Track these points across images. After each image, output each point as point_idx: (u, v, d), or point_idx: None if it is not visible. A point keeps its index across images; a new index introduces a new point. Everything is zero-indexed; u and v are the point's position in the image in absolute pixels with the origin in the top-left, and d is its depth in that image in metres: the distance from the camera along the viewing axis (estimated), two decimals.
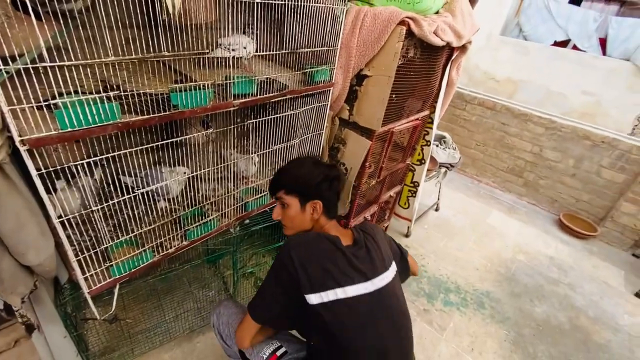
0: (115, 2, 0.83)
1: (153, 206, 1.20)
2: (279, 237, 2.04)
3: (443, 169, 2.75)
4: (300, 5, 1.18)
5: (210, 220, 1.34)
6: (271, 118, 1.35)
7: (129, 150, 0.94)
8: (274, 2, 1.07)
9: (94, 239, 1.04)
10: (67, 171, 0.86)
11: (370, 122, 1.65)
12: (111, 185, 1.20)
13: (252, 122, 1.31)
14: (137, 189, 1.08)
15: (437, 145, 2.80)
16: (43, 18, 0.87)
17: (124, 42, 0.94)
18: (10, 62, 0.69)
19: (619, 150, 2.91)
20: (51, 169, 0.81)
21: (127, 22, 1.02)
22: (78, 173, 0.94)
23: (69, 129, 0.78)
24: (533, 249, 2.77)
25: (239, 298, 1.87)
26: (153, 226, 1.18)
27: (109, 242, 1.06)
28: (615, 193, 3.00)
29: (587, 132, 3.03)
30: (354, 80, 1.61)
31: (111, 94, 0.83)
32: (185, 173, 1.24)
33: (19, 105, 0.71)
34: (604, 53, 3.45)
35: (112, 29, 0.90)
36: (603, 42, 3.47)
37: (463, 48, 1.86)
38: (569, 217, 3.18)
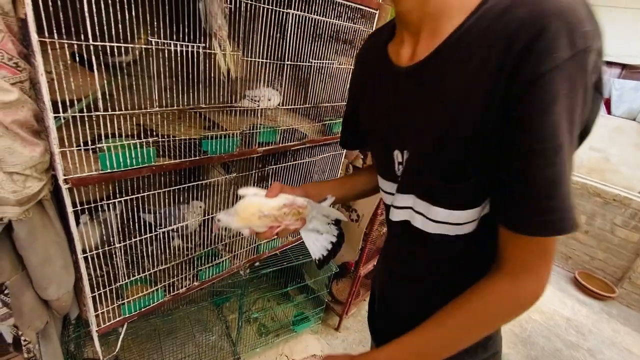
0: (160, 57, 0.93)
1: (168, 244, 1.22)
2: (287, 282, 2.01)
3: None
4: (324, 66, 1.29)
5: (222, 261, 1.35)
6: (290, 164, 1.41)
7: (158, 191, 0.99)
8: (302, 64, 1.18)
9: (111, 275, 1.05)
10: (94, 207, 0.90)
11: None
12: (130, 221, 1.23)
13: (272, 168, 1.37)
14: (158, 227, 1.12)
15: None
16: (95, 69, 0.98)
17: (162, 91, 1.03)
18: (68, 108, 0.77)
19: (631, 209, 2.89)
20: (85, 207, 0.85)
21: (167, 73, 1.12)
22: (103, 209, 0.98)
23: (109, 170, 0.84)
24: (549, 308, 2.65)
25: (241, 345, 1.80)
26: (168, 265, 1.19)
27: (124, 280, 1.07)
28: (631, 253, 2.92)
29: (597, 189, 3.03)
30: None
31: (150, 140, 0.89)
32: (200, 207, 1.27)
33: (68, 148, 0.78)
34: (609, 112, 3.57)
35: (153, 78, 1.00)
36: (607, 102, 3.62)
37: None
38: (585, 275, 3.07)
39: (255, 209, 0.57)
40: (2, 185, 0.69)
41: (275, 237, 0.62)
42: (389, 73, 0.55)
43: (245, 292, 1.64)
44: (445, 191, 0.49)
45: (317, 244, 0.70)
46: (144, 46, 0.84)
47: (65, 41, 0.73)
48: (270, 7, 1.01)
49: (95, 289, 0.98)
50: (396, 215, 0.59)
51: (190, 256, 1.29)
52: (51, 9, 0.66)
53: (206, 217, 1.29)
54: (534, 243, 0.42)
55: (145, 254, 1.16)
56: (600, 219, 3.06)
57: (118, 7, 0.75)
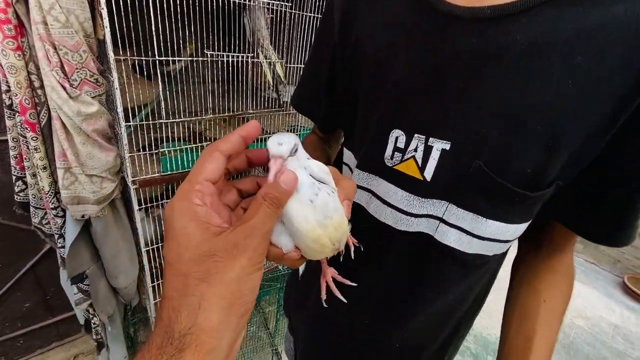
0: (214, 67, 1.00)
1: None
2: None
3: None
4: None
5: None
6: None
7: None
8: None
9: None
10: (150, 205, 1.00)
11: None
12: None
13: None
14: None
15: None
16: (152, 78, 1.07)
17: (213, 97, 1.11)
18: (135, 115, 0.86)
19: None
20: (148, 205, 0.95)
21: (218, 81, 1.20)
22: (157, 206, 1.08)
23: (169, 172, 0.93)
24: (594, 314, 2.51)
25: (278, 336, 1.88)
26: None
27: None
28: None
29: None
30: None
31: (204, 144, 0.97)
32: None
33: (135, 153, 0.87)
34: None
35: (208, 86, 1.08)
36: None
37: None
38: (635, 280, 2.87)
39: (340, 234, 0.31)
40: (84, 186, 0.79)
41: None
42: (421, 12, 0.37)
43: (283, 286, 1.71)
44: (515, 200, 0.36)
45: None
46: (201, 59, 0.91)
47: (136, 57, 0.81)
48: (309, 14, 1.06)
49: (155, 280, 1.08)
50: (415, 225, 0.42)
51: None
52: (125, 29, 0.75)
53: None
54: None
55: None
56: None
57: (180, 24, 0.83)
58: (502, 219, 0.38)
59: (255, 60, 0.97)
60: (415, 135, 0.39)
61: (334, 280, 0.43)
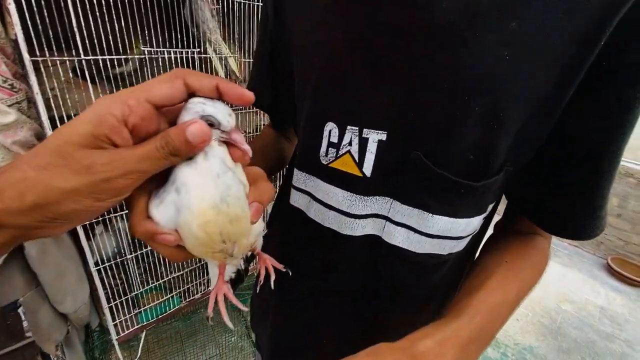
0: (160, 65, 0.92)
1: None
2: None
3: None
4: None
5: None
6: None
7: None
8: None
9: (125, 284, 1.07)
10: (105, 220, 0.91)
11: None
12: None
13: None
14: None
15: None
16: (97, 82, 0.98)
17: None
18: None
19: None
20: (94, 220, 0.86)
21: None
22: (112, 222, 1.00)
23: None
24: (580, 298, 2.52)
25: None
26: (182, 272, 1.20)
27: (140, 289, 1.08)
28: None
29: (630, 169, 2.84)
30: None
31: None
32: None
33: None
34: None
35: None
36: None
37: None
38: (619, 261, 2.90)
39: (237, 231, 0.26)
40: None
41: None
42: None
43: None
44: (456, 192, 0.32)
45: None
46: (137, 56, 0.83)
47: (57, 58, 0.72)
48: (260, 3, 0.98)
49: (112, 299, 1.00)
50: (360, 228, 0.37)
51: (204, 262, 1.30)
52: (40, 27, 0.66)
53: None
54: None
55: (159, 263, 1.17)
56: (633, 200, 2.87)
57: (107, 20, 0.74)
58: (449, 214, 0.34)
59: (204, 55, 0.89)
60: (348, 127, 0.35)
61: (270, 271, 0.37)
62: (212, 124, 0.23)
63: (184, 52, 0.85)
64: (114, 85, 1.06)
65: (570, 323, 2.28)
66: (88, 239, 0.90)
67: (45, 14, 0.66)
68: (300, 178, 0.41)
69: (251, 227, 0.26)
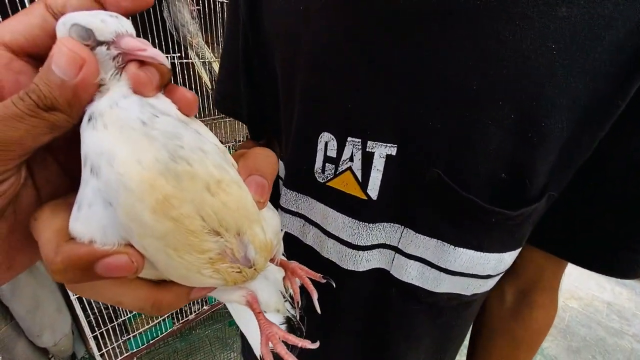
0: None
1: None
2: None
3: None
4: None
5: None
6: None
7: None
8: None
9: (110, 309, 0.99)
10: None
11: None
12: None
13: None
14: None
15: None
16: None
17: None
18: None
19: None
20: None
21: None
22: None
23: None
24: (586, 294, 2.48)
25: None
26: None
27: (128, 314, 1.01)
28: None
29: None
30: None
31: None
32: None
33: None
34: None
35: None
36: None
37: None
38: None
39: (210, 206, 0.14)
40: None
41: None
42: None
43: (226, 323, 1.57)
44: (491, 221, 0.26)
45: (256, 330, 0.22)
46: None
47: None
48: None
49: (96, 328, 0.92)
50: (365, 261, 0.31)
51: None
52: None
53: None
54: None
55: None
56: None
57: None
58: (475, 247, 0.27)
59: (185, 61, 0.83)
60: (349, 138, 0.28)
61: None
62: (90, 41, 0.13)
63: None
64: None
65: (579, 321, 2.24)
66: None
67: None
68: (290, 198, 0.34)
69: (255, 207, 0.16)
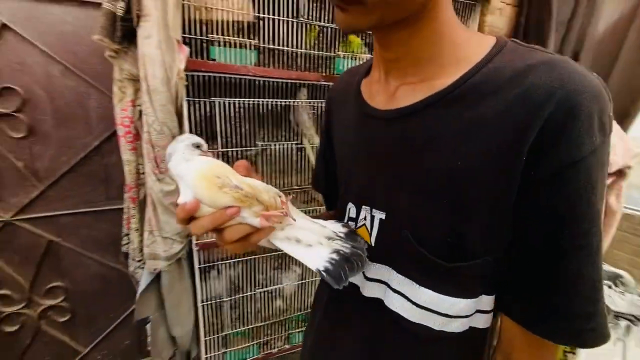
0: (270, 153, 1.22)
1: (268, 303, 1.40)
2: None
3: (624, 322, 2.01)
4: None
5: None
6: None
7: (263, 255, 1.22)
8: None
9: (221, 323, 1.28)
10: (213, 266, 1.18)
11: None
12: (239, 279, 1.49)
13: None
14: (258, 287, 1.32)
15: (609, 287, 2.13)
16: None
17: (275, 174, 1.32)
18: None
19: None
20: (207, 264, 1.13)
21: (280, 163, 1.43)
22: (219, 268, 1.26)
23: None
24: None
25: None
26: (264, 323, 1.36)
27: (230, 330, 1.28)
28: None
29: None
30: None
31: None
32: (296, 272, 1.42)
33: None
34: None
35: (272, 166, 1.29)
36: None
37: (620, 173, 1.57)
38: None
39: (219, 172, 0.37)
40: (159, 246, 1.03)
41: (216, 238, 0.39)
42: (360, 114, 0.47)
43: None
44: (437, 269, 0.38)
45: (310, 252, 0.41)
46: (255, 148, 1.14)
47: (211, 150, 1.08)
48: None
49: (208, 334, 1.22)
50: (369, 290, 0.45)
51: (285, 317, 1.43)
52: (198, 128, 1.03)
53: (302, 282, 1.43)
54: (551, 347, 0.37)
55: (248, 310, 1.36)
56: None
57: (238, 124, 1.08)
58: (433, 288, 0.39)
59: (300, 145, 1.15)
60: (363, 206, 0.46)
61: None
62: (198, 145, 0.40)
63: (287, 144, 1.13)
64: None
65: None
66: (201, 280, 1.17)
67: (202, 119, 1.04)
68: None
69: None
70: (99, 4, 1.19)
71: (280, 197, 0.41)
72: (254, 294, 1.30)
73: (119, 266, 1.46)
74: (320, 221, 0.45)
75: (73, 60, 1.23)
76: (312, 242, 0.41)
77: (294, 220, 0.42)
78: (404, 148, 0.40)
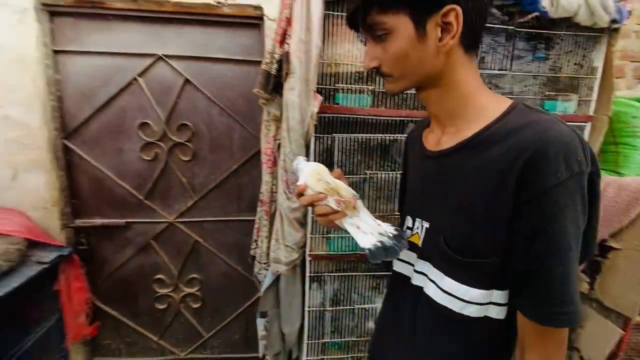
0: (374, 181, 1.36)
1: (364, 322, 1.49)
2: None
3: None
4: None
5: None
6: None
7: (363, 274, 1.34)
8: None
9: (321, 331, 1.42)
10: (320, 277, 1.34)
11: (622, 306, 1.33)
12: (340, 293, 1.62)
13: None
14: (356, 303, 1.43)
15: None
16: None
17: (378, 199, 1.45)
18: None
19: None
20: (315, 274, 1.30)
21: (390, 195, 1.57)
22: (325, 279, 1.42)
23: (333, 252, 1.28)
24: None
25: None
26: (358, 339, 1.45)
27: (329, 338, 1.40)
28: None
29: None
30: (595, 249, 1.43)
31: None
32: None
33: (314, 235, 1.28)
34: None
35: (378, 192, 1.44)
36: None
37: None
38: None
39: (320, 172, 0.60)
40: (282, 252, 1.25)
41: (310, 207, 0.66)
42: (420, 153, 0.64)
43: None
44: (457, 263, 0.53)
45: (363, 237, 0.58)
46: (362, 176, 1.30)
47: None
48: None
49: (310, 338, 1.37)
50: (416, 279, 0.61)
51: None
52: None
53: None
54: (553, 333, 0.47)
55: (346, 324, 1.47)
56: None
57: (349, 158, 1.26)
58: (454, 277, 0.53)
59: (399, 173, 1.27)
60: (417, 219, 0.63)
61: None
62: (307, 160, 0.66)
63: (391, 174, 1.26)
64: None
65: None
66: (310, 288, 1.34)
67: (323, 150, 1.25)
68: None
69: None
70: (248, 61, 1.56)
71: (354, 195, 0.60)
72: (353, 308, 1.41)
73: (239, 268, 1.77)
74: (379, 221, 0.61)
75: (226, 103, 1.62)
76: (367, 231, 0.59)
77: (359, 213, 0.60)
78: (441, 178, 0.57)
